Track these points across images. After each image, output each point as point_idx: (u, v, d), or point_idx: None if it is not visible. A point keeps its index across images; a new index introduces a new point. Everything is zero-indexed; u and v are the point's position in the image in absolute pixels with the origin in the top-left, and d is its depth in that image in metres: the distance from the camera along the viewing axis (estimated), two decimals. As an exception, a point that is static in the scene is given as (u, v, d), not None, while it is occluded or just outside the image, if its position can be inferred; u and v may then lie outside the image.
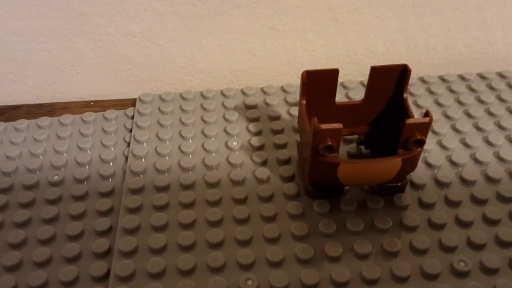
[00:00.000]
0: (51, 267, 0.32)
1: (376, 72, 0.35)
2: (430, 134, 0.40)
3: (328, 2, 0.45)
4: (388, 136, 0.34)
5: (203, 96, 0.45)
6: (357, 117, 0.37)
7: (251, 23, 0.45)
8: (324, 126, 0.29)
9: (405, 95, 0.34)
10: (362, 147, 0.39)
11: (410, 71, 0.34)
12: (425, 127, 0.30)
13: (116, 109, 0.44)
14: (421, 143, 0.31)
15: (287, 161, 0.38)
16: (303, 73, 0.34)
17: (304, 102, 0.35)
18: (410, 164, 0.32)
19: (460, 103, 0.44)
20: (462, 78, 0.47)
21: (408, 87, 0.36)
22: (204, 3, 0.44)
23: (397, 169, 0.31)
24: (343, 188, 0.35)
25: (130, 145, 0.40)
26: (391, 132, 0.34)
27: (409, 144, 0.31)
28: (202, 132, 0.41)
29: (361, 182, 0.34)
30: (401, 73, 0.34)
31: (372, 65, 0.35)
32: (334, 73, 0.35)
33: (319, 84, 0.35)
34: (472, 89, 0.45)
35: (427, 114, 0.30)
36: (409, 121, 0.30)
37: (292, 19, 0.45)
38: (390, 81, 0.35)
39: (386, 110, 0.36)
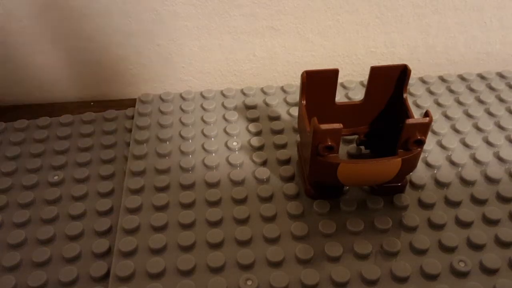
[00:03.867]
0: (51, 267, 0.32)
1: (376, 72, 0.35)
2: (430, 134, 0.40)
3: (328, 2, 0.45)
4: (388, 136, 0.34)
5: (203, 96, 0.45)
6: (357, 117, 0.37)
7: (251, 23, 0.45)
8: (324, 126, 0.29)
9: (405, 95, 0.34)
10: (362, 147, 0.39)
11: (410, 71, 0.34)
12: (425, 127, 0.30)
13: (116, 109, 0.44)
14: (421, 143, 0.31)
15: (287, 161, 0.38)
16: (303, 73, 0.34)
17: (304, 102, 0.35)
18: (410, 164, 0.32)
19: (460, 103, 0.44)
20: (462, 78, 0.47)
21: (408, 87, 0.36)
22: (204, 3, 0.44)
23: (397, 169, 0.31)
24: (343, 188, 0.35)
25: (130, 145, 0.40)
26: (391, 132, 0.34)
27: (409, 144, 0.31)
28: (202, 132, 0.41)
29: (361, 182, 0.34)
30: (401, 73, 0.34)
31: (372, 65, 0.35)
32: (334, 73, 0.35)
33: (319, 84, 0.35)
34: (472, 89, 0.45)
35: (427, 114, 0.30)
36: (409, 121, 0.30)
37: (292, 19, 0.45)
38: (390, 81, 0.35)
39: (386, 110, 0.36)
